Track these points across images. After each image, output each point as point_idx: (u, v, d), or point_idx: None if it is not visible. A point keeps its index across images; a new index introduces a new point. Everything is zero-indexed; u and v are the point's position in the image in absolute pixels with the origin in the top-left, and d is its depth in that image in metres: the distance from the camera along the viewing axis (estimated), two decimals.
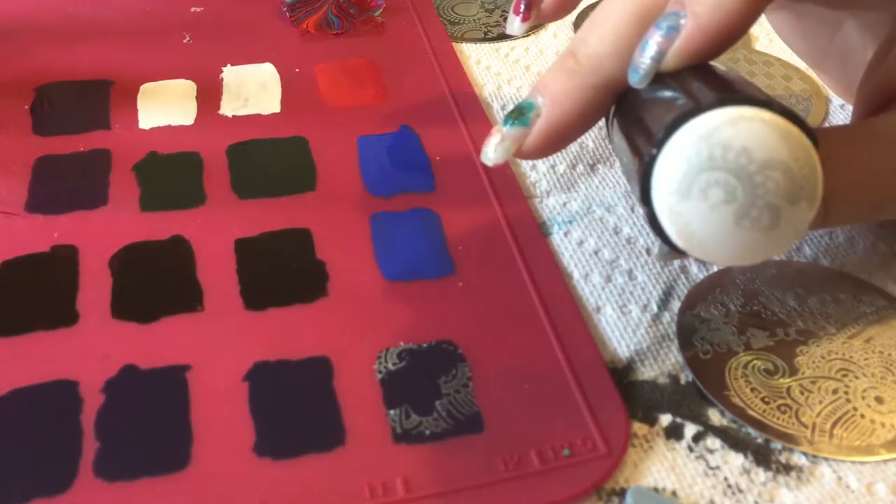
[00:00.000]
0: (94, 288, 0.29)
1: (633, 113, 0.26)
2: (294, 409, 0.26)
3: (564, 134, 0.27)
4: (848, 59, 0.33)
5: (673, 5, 0.24)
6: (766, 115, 0.22)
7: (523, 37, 0.43)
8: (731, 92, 0.23)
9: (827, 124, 0.38)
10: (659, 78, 0.25)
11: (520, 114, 0.27)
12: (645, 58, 0.24)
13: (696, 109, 0.23)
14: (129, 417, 0.26)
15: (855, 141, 0.27)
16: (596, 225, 0.33)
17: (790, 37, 0.36)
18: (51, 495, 0.24)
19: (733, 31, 0.24)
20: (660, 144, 0.23)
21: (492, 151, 0.27)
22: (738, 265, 0.28)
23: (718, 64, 0.25)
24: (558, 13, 0.31)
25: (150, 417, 0.26)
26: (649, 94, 0.25)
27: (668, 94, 0.24)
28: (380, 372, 0.27)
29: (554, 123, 0.26)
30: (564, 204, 0.34)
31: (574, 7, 0.32)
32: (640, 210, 0.33)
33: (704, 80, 0.24)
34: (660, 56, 0.24)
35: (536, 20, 0.32)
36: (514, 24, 0.32)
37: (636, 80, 0.25)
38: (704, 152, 0.22)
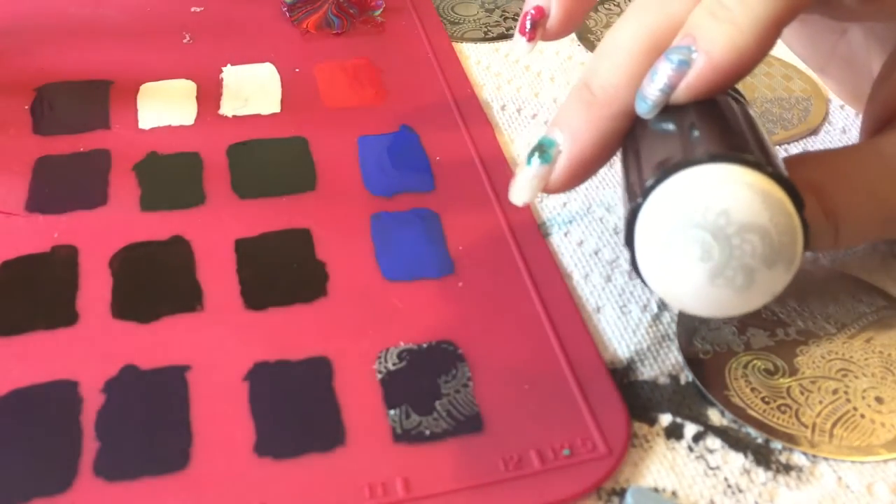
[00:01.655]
0: (94, 288, 0.29)
1: (634, 144, 0.26)
2: (294, 409, 0.26)
3: (588, 166, 0.27)
4: (852, 64, 0.33)
5: (684, 39, 0.24)
6: (752, 177, 0.22)
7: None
8: (724, 145, 0.23)
9: (827, 124, 0.38)
10: (664, 109, 0.25)
11: (542, 151, 0.26)
12: (654, 89, 0.24)
13: (685, 163, 0.23)
14: (129, 417, 0.26)
15: (862, 162, 0.27)
16: (596, 225, 0.33)
17: (794, 42, 0.36)
18: (51, 495, 0.24)
19: (744, 69, 0.24)
20: (646, 194, 0.23)
21: (520, 192, 0.27)
22: (712, 318, 0.29)
23: None
24: (564, 30, 0.31)
25: (150, 417, 0.26)
26: (652, 126, 0.25)
27: (668, 131, 0.24)
28: (380, 372, 0.27)
29: (576, 158, 0.26)
30: (564, 204, 0.34)
31: (580, 24, 0.32)
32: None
33: (705, 123, 0.24)
34: (669, 89, 0.24)
35: (542, 39, 0.31)
36: (521, 45, 0.31)
37: (644, 110, 0.25)
38: (685, 209, 0.22)
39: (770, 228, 0.22)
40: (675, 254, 0.23)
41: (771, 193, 0.22)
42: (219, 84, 0.39)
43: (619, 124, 0.26)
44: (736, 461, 0.25)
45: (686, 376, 0.27)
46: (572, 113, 0.26)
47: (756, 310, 0.23)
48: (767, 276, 0.23)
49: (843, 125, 0.38)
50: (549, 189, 0.27)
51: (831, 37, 0.33)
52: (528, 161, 0.27)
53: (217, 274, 0.30)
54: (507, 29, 0.44)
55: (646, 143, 0.25)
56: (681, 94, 0.24)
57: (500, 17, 0.45)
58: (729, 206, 0.22)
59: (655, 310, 0.29)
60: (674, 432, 0.26)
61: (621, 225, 0.32)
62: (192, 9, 0.44)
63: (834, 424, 0.26)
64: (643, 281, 0.24)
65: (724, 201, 0.22)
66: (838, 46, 0.33)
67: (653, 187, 0.23)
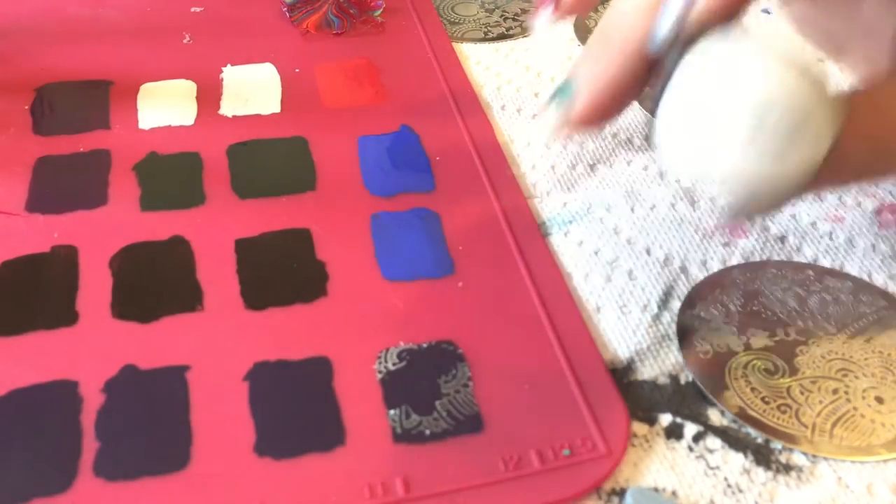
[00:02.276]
0: (94, 288, 0.29)
1: (655, 78, 0.26)
2: (294, 409, 0.26)
3: (607, 105, 0.26)
4: (872, 34, 0.32)
5: None
6: (776, 50, 0.22)
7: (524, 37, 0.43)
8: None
9: None
10: (682, 47, 0.25)
11: (561, 90, 0.26)
12: (665, 22, 0.24)
13: (702, 41, 0.23)
14: (129, 417, 0.26)
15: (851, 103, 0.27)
16: (596, 225, 0.33)
17: (811, 28, 0.35)
18: (51, 495, 0.24)
19: None
20: (671, 70, 0.23)
21: (543, 126, 0.26)
22: (755, 202, 0.28)
23: None
24: (585, 5, 0.31)
25: (150, 417, 0.26)
26: (672, 60, 0.25)
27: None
28: (380, 372, 0.27)
29: (595, 95, 0.26)
30: (564, 204, 0.34)
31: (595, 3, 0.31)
32: (639, 210, 0.33)
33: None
34: (681, 20, 0.24)
35: (563, 12, 0.31)
36: (543, 17, 0.31)
37: (656, 45, 0.25)
38: (708, 85, 0.22)
39: (799, 93, 0.22)
40: (705, 131, 0.22)
41: (795, 62, 0.22)
42: (219, 84, 0.39)
43: (634, 65, 0.26)
44: (736, 461, 0.25)
45: (686, 376, 0.27)
46: (590, 55, 0.26)
47: (792, 187, 0.23)
48: (802, 142, 0.22)
49: None
50: (571, 124, 0.26)
51: (846, 11, 0.33)
52: (550, 101, 0.27)
53: (217, 274, 0.30)
54: (507, 29, 0.44)
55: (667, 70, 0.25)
56: (693, 23, 0.24)
57: (500, 17, 0.45)
58: (756, 74, 0.22)
59: (655, 310, 0.29)
60: (674, 432, 0.26)
61: (621, 224, 0.33)
62: (192, 9, 0.44)
63: (834, 424, 0.26)
64: (668, 163, 0.24)
65: (750, 70, 0.22)
66: (856, 20, 0.33)
67: (672, 70, 0.23)
